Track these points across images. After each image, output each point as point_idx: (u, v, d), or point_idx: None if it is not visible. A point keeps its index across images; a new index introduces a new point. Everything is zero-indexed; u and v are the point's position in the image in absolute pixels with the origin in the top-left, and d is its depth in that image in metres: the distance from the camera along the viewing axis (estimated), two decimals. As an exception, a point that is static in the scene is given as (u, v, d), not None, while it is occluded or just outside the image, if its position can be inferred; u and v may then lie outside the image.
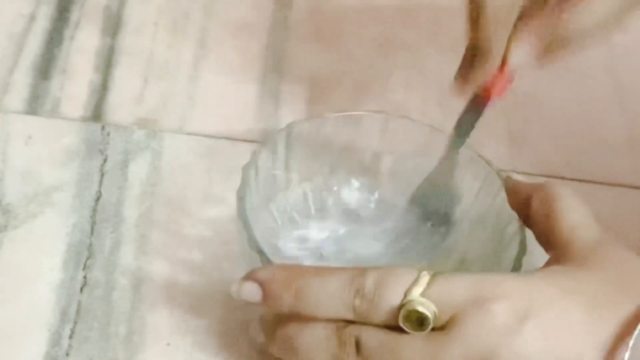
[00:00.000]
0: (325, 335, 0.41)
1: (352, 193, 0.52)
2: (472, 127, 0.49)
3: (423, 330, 0.39)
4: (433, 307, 0.39)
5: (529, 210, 0.45)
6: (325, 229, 0.50)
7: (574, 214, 0.43)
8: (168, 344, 0.47)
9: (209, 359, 0.46)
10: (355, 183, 0.52)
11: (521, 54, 0.46)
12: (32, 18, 0.62)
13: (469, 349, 0.38)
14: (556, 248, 0.43)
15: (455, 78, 0.48)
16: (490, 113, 0.55)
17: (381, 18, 0.66)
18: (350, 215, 0.51)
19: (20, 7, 0.63)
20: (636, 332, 0.37)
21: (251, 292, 0.42)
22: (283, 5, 0.66)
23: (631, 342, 0.37)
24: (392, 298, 0.39)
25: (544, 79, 0.64)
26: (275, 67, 0.62)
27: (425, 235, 0.51)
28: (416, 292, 0.39)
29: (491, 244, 0.48)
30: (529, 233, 0.46)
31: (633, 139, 0.61)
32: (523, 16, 0.46)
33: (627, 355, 0.37)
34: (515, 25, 0.46)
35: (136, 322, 0.47)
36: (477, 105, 0.48)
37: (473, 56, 0.47)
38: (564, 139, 0.60)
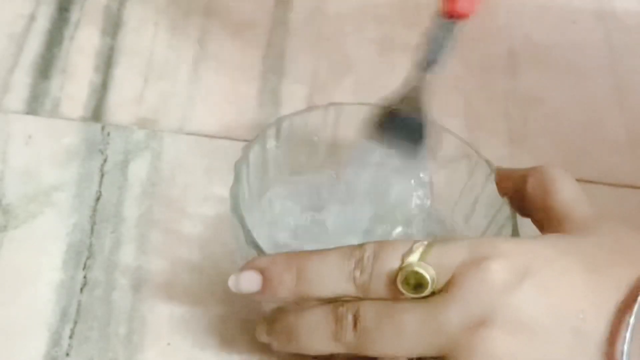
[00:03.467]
0: (323, 316, 0.41)
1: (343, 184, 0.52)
2: (442, 48, 0.47)
3: (421, 293, 0.39)
4: (431, 271, 0.39)
5: (524, 192, 0.45)
6: (318, 220, 0.50)
7: (569, 191, 0.44)
8: (168, 344, 0.47)
9: (209, 359, 0.46)
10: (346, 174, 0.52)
11: None
12: (32, 18, 0.62)
13: (468, 308, 0.38)
14: (552, 224, 0.43)
15: None
16: (490, 113, 0.55)
17: (381, 18, 0.66)
18: (341, 205, 0.51)
19: (20, 7, 0.63)
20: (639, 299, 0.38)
21: (250, 281, 0.42)
22: (283, 5, 0.66)
23: (635, 308, 0.38)
24: (391, 265, 0.40)
25: (544, 79, 0.64)
26: (275, 67, 0.62)
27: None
28: (414, 257, 0.40)
29: (483, 232, 0.49)
30: (520, 220, 0.46)
31: (633, 139, 0.61)
32: None
33: (631, 320, 0.38)
34: None
35: (136, 322, 0.47)
36: (446, 21, 0.46)
37: None
38: (564, 139, 0.60)
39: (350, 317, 0.40)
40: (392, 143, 0.49)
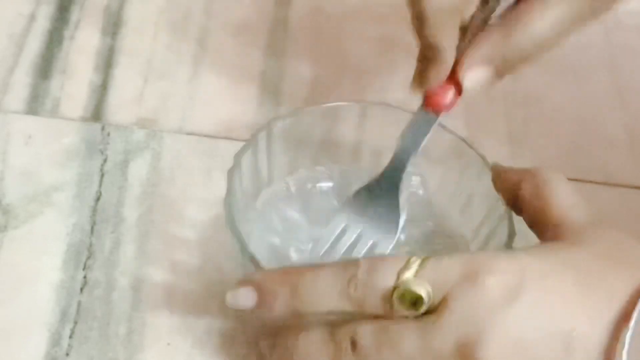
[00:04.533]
0: (321, 338, 0.41)
1: (335, 183, 0.52)
2: (421, 139, 0.48)
3: (417, 310, 0.39)
4: (427, 287, 0.39)
5: (518, 193, 0.45)
6: (311, 221, 0.50)
7: (565, 196, 0.44)
8: (168, 344, 0.47)
9: (209, 359, 0.46)
10: (338, 173, 0.52)
11: (474, 75, 0.46)
12: (32, 18, 0.62)
13: (461, 329, 0.38)
14: (547, 229, 0.43)
15: (412, 81, 0.48)
16: (490, 113, 0.55)
17: (381, 18, 0.66)
18: (335, 206, 0.51)
19: (20, 7, 0.63)
20: (635, 314, 0.37)
21: (246, 296, 0.42)
22: (283, 5, 0.66)
23: (632, 323, 0.37)
24: (386, 281, 0.40)
25: (544, 79, 0.64)
26: (275, 67, 0.62)
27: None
28: (409, 273, 0.39)
29: (479, 228, 0.49)
30: (516, 218, 0.46)
31: (633, 139, 0.61)
32: (470, 36, 0.47)
33: (628, 333, 0.37)
34: (462, 46, 0.46)
35: (136, 322, 0.47)
36: (426, 116, 0.48)
37: (424, 57, 0.47)
38: (564, 139, 0.60)
39: (348, 341, 0.40)
40: (369, 215, 0.49)
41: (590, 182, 0.57)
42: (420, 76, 0.47)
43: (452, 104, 0.47)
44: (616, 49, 0.66)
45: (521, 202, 0.45)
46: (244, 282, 0.43)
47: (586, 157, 0.59)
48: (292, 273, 0.42)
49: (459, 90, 0.47)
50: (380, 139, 0.51)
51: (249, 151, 0.49)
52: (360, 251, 0.49)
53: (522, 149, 0.59)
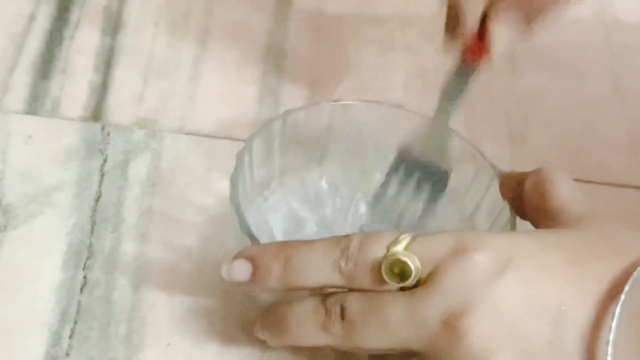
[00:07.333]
0: (312, 307, 0.41)
1: (347, 181, 0.52)
2: (461, 91, 0.49)
3: (405, 282, 0.39)
4: (416, 260, 0.39)
5: (522, 193, 0.45)
6: (320, 216, 0.50)
7: (566, 190, 0.44)
8: (168, 344, 0.47)
9: (209, 358, 0.46)
10: (350, 170, 0.52)
11: (503, 30, 0.47)
12: (32, 18, 0.62)
13: (448, 300, 0.39)
14: (546, 221, 0.43)
15: (443, 40, 0.48)
16: (490, 113, 0.55)
17: (381, 18, 0.66)
18: (346, 202, 0.51)
19: (20, 7, 0.63)
20: (626, 288, 0.38)
21: (241, 269, 0.42)
22: (283, 5, 0.66)
23: (622, 297, 0.38)
24: (375, 254, 0.40)
25: (544, 79, 0.64)
26: (275, 67, 0.62)
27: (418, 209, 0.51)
28: (399, 247, 0.40)
29: None
30: (520, 223, 0.46)
31: (633, 139, 0.61)
32: None
33: (617, 309, 0.37)
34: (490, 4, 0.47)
35: (136, 322, 0.47)
36: (464, 67, 0.49)
37: (451, 13, 0.47)
38: (564, 139, 0.60)
39: (338, 308, 0.41)
40: (414, 185, 0.50)
41: (590, 182, 0.57)
42: (450, 32, 0.48)
43: (486, 55, 0.48)
44: (616, 49, 0.66)
45: (524, 198, 0.45)
46: (239, 255, 0.43)
47: (586, 157, 0.59)
48: (286, 247, 0.42)
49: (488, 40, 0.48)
50: (397, 141, 0.51)
51: (261, 137, 0.49)
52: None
53: (522, 149, 0.59)
